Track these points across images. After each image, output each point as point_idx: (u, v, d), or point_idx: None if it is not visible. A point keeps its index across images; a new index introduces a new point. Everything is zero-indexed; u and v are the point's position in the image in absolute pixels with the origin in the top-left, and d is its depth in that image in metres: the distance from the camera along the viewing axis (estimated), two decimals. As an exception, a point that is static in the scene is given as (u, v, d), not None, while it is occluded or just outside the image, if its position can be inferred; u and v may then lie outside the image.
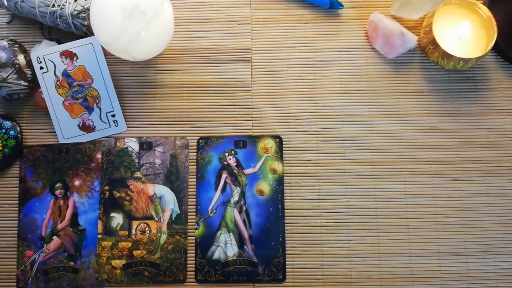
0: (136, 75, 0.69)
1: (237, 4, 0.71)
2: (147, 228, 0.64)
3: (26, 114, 0.69)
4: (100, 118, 0.68)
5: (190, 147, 0.67)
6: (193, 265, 0.64)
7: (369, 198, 0.65)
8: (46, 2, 0.65)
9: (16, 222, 0.65)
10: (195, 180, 0.66)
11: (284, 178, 0.66)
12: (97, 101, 0.68)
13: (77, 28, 0.66)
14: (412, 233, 0.64)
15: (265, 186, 0.65)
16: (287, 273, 0.63)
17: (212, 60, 0.69)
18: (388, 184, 0.66)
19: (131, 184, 0.66)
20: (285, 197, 0.65)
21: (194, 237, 0.64)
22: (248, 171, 0.66)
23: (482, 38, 0.65)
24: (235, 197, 0.65)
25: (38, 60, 0.66)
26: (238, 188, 0.65)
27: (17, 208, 0.66)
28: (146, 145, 0.67)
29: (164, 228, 0.64)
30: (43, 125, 0.68)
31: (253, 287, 0.63)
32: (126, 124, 0.68)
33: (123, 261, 0.64)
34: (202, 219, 0.65)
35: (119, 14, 0.57)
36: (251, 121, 0.68)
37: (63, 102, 0.67)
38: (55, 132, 0.67)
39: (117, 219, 0.65)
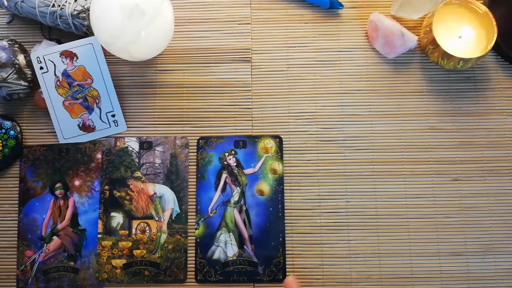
0: (136, 75, 0.69)
1: (237, 4, 0.71)
2: (147, 228, 0.64)
3: (26, 114, 0.69)
4: (100, 118, 0.68)
5: (190, 147, 0.67)
6: (193, 265, 0.64)
7: (369, 198, 0.65)
8: (46, 2, 0.65)
9: (16, 222, 0.65)
10: (195, 180, 0.66)
11: (284, 178, 0.66)
12: (97, 101, 0.68)
13: (77, 28, 0.66)
14: (412, 233, 0.64)
15: (265, 186, 0.65)
16: (287, 273, 0.63)
17: (212, 60, 0.69)
18: (388, 184, 0.66)
19: (131, 184, 0.66)
20: (285, 197, 0.65)
21: (194, 237, 0.64)
22: (248, 171, 0.66)
23: (482, 38, 0.65)
24: (235, 197, 0.65)
25: (38, 60, 0.66)
26: (238, 188, 0.65)
27: (17, 208, 0.66)
28: (146, 145, 0.67)
29: (164, 227, 0.64)
30: (43, 125, 0.68)
31: (253, 287, 0.63)
32: (126, 124, 0.68)
33: (123, 261, 0.64)
34: (202, 219, 0.65)
35: (119, 14, 0.57)
36: (251, 121, 0.68)
37: (63, 102, 0.67)
38: (55, 132, 0.67)
39: (117, 218, 0.65)
